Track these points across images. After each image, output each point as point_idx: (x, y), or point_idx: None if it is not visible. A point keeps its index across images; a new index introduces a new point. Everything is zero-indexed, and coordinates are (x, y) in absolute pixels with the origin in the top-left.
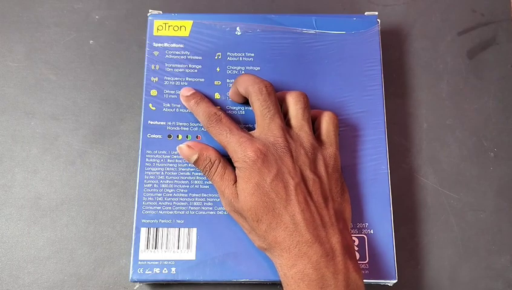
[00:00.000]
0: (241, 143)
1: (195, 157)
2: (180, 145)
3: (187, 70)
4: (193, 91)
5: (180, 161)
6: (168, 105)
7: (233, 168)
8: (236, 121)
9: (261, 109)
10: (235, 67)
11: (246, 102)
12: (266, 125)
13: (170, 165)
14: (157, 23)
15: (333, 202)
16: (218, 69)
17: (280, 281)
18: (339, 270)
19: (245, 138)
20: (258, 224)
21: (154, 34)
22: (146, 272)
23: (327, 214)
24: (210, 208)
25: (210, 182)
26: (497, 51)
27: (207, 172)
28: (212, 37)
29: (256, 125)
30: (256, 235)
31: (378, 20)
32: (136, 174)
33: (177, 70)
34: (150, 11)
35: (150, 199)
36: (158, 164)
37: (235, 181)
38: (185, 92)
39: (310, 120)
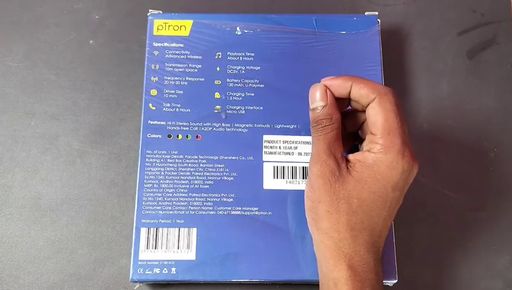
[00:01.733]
0: (407, 142)
1: (318, 104)
2: (318, 84)
3: (187, 70)
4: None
5: (180, 161)
6: (168, 105)
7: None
8: (237, 121)
9: (400, 114)
10: (235, 67)
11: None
12: (404, 135)
13: (170, 165)
14: (157, 22)
15: None
16: (218, 69)
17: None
18: (382, 284)
19: (408, 140)
20: (351, 213)
21: (154, 34)
22: (146, 272)
23: None
24: (210, 208)
25: (210, 182)
26: (497, 51)
27: (318, 126)
28: (212, 36)
29: (388, 130)
30: (336, 219)
31: (378, 20)
32: (136, 174)
33: (177, 70)
34: (150, 10)
35: (150, 199)
36: (158, 164)
37: (343, 156)
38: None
39: None
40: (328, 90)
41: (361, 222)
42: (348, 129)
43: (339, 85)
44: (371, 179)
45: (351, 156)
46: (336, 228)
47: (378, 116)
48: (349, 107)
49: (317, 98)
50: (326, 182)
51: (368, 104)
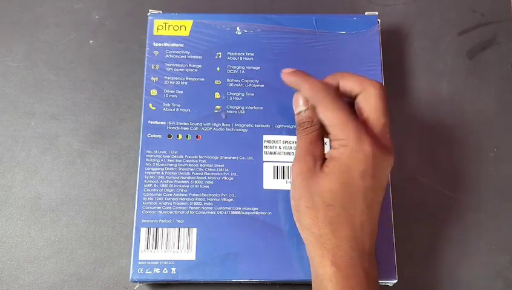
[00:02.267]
0: (362, 133)
1: (300, 109)
2: (298, 91)
3: (187, 70)
4: (294, 70)
5: (180, 161)
6: (168, 105)
7: (323, 143)
8: (237, 121)
9: (380, 106)
10: (235, 67)
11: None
12: (381, 125)
13: (170, 165)
14: (157, 22)
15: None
16: (218, 69)
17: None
18: (377, 283)
19: (364, 128)
20: (326, 208)
21: (154, 34)
22: (146, 272)
23: (377, 230)
24: (210, 208)
25: (210, 182)
26: (497, 51)
27: (300, 128)
28: (212, 36)
29: (367, 120)
30: (314, 215)
31: (378, 20)
32: (136, 174)
33: (177, 70)
34: (150, 10)
35: (150, 199)
36: (158, 164)
37: (321, 156)
38: (287, 70)
39: None
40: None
41: (337, 216)
42: None
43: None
44: (337, 170)
45: (326, 153)
46: (316, 223)
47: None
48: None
49: (300, 103)
50: (303, 178)
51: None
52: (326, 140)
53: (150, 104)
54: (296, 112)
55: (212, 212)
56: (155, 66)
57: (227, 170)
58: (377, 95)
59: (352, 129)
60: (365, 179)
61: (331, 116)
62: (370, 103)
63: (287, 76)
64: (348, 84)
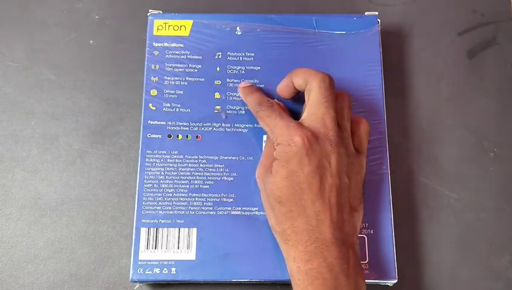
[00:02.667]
0: (290, 127)
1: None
2: (241, 85)
3: (187, 70)
4: (250, 84)
5: (180, 161)
6: (168, 105)
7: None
8: (237, 121)
9: (318, 97)
10: (235, 67)
11: (292, 97)
12: (320, 115)
13: (170, 165)
14: (157, 23)
15: (354, 210)
16: (218, 69)
17: (280, 281)
18: (351, 274)
19: (294, 122)
20: (279, 205)
21: (154, 34)
22: (146, 272)
23: (348, 220)
24: (210, 208)
25: (210, 182)
26: (497, 51)
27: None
28: (212, 36)
29: (305, 114)
30: (273, 214)
31: (378, 20)
32: (136, 174)
33: (177, 70)
34: (150, 10)
35: (150, 199)
36: (158, 164)
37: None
38: (242, 84)
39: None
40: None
41: (290, 210)
42: None
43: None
44: (279, 167)
45: None
46: (276, 222)
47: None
48: None
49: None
50: (260, 181)
51: None
52: None
53: (150, 104)
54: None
55: (212, 213)
56: (155, 66)
57: (227, 170)
58: (316, 88)
59: (281, 128)
60: (303, 168)
61: (264, 123)
62: (310, 95)
63: (239, 89)
64: (297, 80)
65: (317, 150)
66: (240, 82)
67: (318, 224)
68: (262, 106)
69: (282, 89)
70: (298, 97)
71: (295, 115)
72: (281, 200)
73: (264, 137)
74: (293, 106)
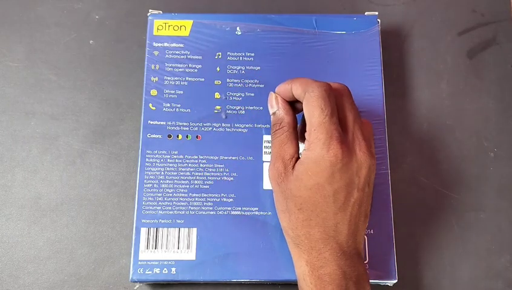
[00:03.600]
0: (332, 135)
1: (273, 110)
2: (272, 92)
3: (187, 70)
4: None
5: (180, 161)
6: (168, 105)
7: (297, 142)
8: (237, 121)
9: (315, 112)
10: (235, 67)
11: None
12: (351, 128)
13: (170, 165)
14: (157, 23)
15: (367, 217)
16: (218, 69)
17: (280, 281)
18: (360, 281)
19: (337, 132)
20: (297, 211)
21: (154, 34)
22: (146, 272)
23: (361, 229)
24: (210, 208)
25: (210, 182)
26: (497, 51)
27: (272, 130)
28: (212, 36)
29: (314, 126)
30: (288, 218)
31: (378, 20)
32: (136, 174)
33: (177, 70)
34: (150, 11)
35: (150, 199)
36: (158, 164)
37: (293, 157)
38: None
39: None
40: (278, 97)
41: (308, 219)
42: None
43: (284, 90)
44: (305, 175)
45: (300, 156)
46: (290, 226)
47: (306, 113)
48: None
49: (273, 104)
50: (275, 183)
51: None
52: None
53: (150, 104)
54: (270, 112)
55: (212, 213)
56: (155, 66)
57: (227, 170)
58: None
59: (324, 132)
60: (332, 184)
61: (312, 111)
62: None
63: (281, 85)
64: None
65: (350, 166)
66: (240, 82)
67: (336, 234)
68: (320, 89)
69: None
70: None
71: None
72: (302, 207)
73: (264, 137)
74: None
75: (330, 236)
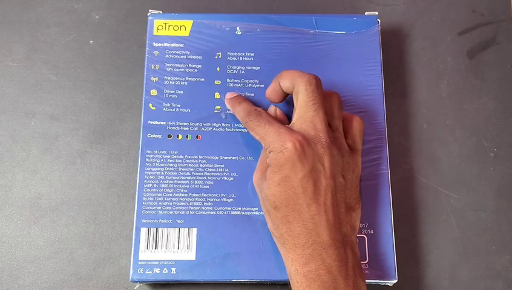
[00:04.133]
0: (280, 133)
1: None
2: (228, 96)
3: (187, 70)
4: (236, 94)
5: (180, 161)
6: (168, 105)
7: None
8: (237, 121)
9: (306, 100)
10: (235, 67)
11: (282, 100)
12: (309, 118)
13: (170, 165)
14: (157, 23)
15: (351, 210)
16: (218, 69)
17: (279, 281)
18: (350, 276)
19: (284, 128)
20: (274, 211)
21: (154, 34)
22: (146, 272)
23: (345, 221)
24: (210, 208)
25: (210, 182)
26: (497, 51)
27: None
28: (212, 36)
29: (295, 118)
30: (269, 219)
31: (378, 20)
32: (136, 174)
33: (177, 70)
34: (150, 11)
35: (150, 199)
36: (158, 164)
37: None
38: (228, 95)
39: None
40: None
41: (285, 215)
42: None
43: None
44: (272, 173)
45: None
46: (273, 226)
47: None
48: None
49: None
50: (257, 186)
51: None
52: None
53: (150, 104)
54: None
55: (212, 213)
56: (155, 66)
57: (227, 170)
58: (303, 90)
59: (272, 135)
60: (296, 173)
61: (255, 133)
62: (298, 98)
63: (226, 101)
64: (284, 83)
65: (309, 153)
66: (240, 82)
67: (315, 227)
68: (251, 116)
69: (270, 93)
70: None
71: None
72: (276, 205)
73: None
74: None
75: (310, 230)
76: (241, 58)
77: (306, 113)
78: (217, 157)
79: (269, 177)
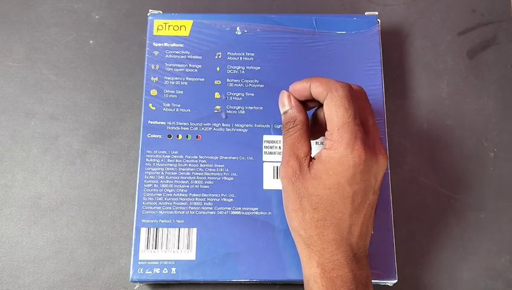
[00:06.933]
0: (357, 136)
1: (284, 109)
2: (284, 91)
3: (187, 70)
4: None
5: (180, 161)
6: (168, 105)
7: (310, 141)
8: (237, 121)
9: (341, 113)
10: (235, 67)
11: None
12: (371, 131)
13: (170, 165)
14: (157, 23)
15: (374, 219)
16: (218, 69)
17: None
18: (369, 284)
19: (361, 133)
20: (313, 211)
21: (154, 34)
22: (146, 272)
23: (370, 231)
24: (210, 208)
25: (210, 182)
26: (497, 51)
27: (284, 130)
28: (212, 36)
29: (337, 125)
30: (301, 217)
31: (378, 20)
32: (136, 174)
33: (177, 70)
34: (150, 11)
35: (150, 199)
36: (158, 164)
37: (307, 155)
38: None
39: None
40: (291, 96)
41: (323, 219)
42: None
43: (301, 88)
44: (325, 175)
45: (315, 155)
46: (303, 226)
47: (328, 112)
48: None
49: (285, 103)
50: (289, 182)
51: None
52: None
53: (150, 104)
54: (281, 111)
55: (212, 213)
56: (155, 66)
57: (227, 170)
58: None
59: (348, 132)
60: (352, 185)
61: (336, 111)
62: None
63: (298, 83)
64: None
65: (371, 169)
66: (240, 82)
67: (349, 236)
68: (342, 89)
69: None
70: None
71: None
72: (318, 207)
73: (265, 137)
74: None
75: (343, 238)
76: (241, 58)
77: (350, 123)
78: (217, 157)
79: (320, 177)
